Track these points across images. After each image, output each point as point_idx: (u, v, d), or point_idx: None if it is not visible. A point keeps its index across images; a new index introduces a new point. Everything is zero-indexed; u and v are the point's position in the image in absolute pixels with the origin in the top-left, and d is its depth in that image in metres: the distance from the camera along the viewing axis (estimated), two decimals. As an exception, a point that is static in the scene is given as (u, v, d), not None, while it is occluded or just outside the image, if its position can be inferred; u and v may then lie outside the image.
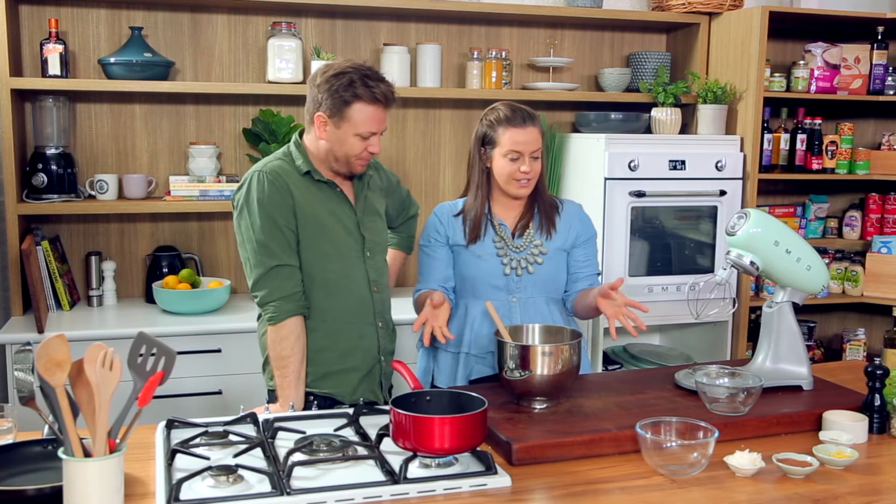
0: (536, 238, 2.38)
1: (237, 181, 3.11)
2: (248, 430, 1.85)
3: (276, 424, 1.84)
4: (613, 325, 2.12)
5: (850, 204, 4.20)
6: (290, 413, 1.98)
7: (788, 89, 3.76)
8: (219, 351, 3.00)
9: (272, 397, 2.28)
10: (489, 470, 1.64)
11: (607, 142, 3.42)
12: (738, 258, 2.14)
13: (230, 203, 2.34)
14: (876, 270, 3.84)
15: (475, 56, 3.63)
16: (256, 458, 1.69)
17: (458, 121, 3.77)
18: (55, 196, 3.18)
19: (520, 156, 2.29)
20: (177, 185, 3.28)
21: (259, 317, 2.30)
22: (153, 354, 1.54)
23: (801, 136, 3.81)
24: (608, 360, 3.71)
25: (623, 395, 2.09)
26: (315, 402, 2.23)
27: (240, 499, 1.51)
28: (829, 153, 3.84)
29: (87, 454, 1.45)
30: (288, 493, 1.52)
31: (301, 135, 2.30)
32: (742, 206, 3.60)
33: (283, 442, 1.78)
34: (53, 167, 3.18)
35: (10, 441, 1.75)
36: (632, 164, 3.41)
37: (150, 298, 3.32)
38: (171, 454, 1.67)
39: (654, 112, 3.69)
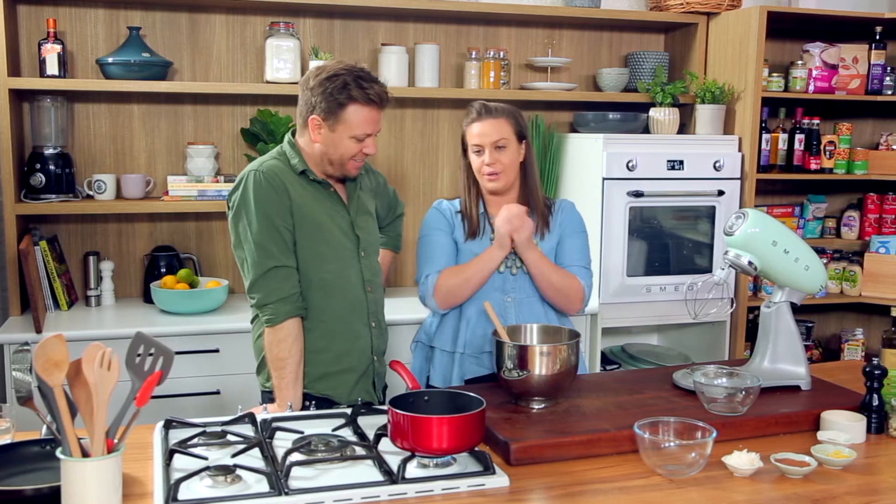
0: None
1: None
2: (247, 430, 1.85)
3: (274, 424, 1.84)
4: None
5: (849, 204, 4.20)
6: (288, 413, 1.98)
7: (786, 89, 3.76)
8: (217, 351, 3.00)
9: (267, 398, 2.27)
10: (487, 470, 1.64)
11: (605, 142, 3.42)
12: (736, 258, 2.14)
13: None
14: (874, 270, 3.85)
15: (473, 56, 3.63)
16: (254, 458, 1.69)
17: (457, 121, 3.76)
18: (53, 196, 3.18)
19: (481, 148, 2.33)
20: (175, 185, 3.28)
21: (253, 319, 2.29)
22: (151, 354, 1.53)
23: (799, 136, 3.81)
24: (606, 360, 3.71)
25: (621, 395, 2.09)
26: (313, 404, 2.22)
27: (238, 499, 1.51)
28: (828, 153, 3.84)
29: (85, 454, 1.45)
30: (286, 493, 1.52)
31: (294, 134, 2.29)
32: (740, 206, 3.60)
33: (281, 442, 1.78)
34: (51, 167, 3.18)
35: (9, 441, 1.74)
36: (630, 164, 3.41)
37: (148, 298, 3.31)
38: (170, 454, 1.67)
39: (653, 112, 3.69)
